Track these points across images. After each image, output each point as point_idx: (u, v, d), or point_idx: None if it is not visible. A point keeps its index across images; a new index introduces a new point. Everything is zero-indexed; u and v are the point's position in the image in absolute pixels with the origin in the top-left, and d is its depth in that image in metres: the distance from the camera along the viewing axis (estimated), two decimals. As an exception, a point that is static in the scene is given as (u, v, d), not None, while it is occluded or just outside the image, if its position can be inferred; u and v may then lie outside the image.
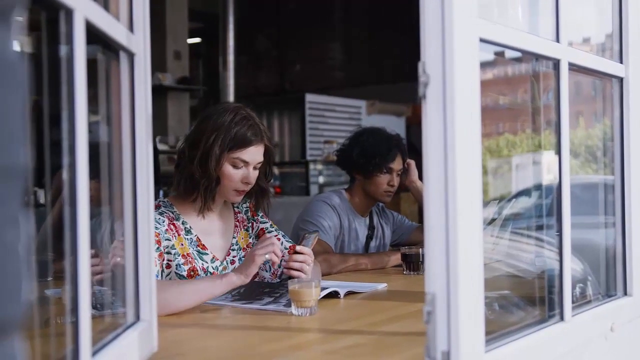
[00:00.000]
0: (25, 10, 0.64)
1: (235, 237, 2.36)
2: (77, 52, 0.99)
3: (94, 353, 1.07)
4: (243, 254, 2.35)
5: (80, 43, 1.00)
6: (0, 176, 0.55)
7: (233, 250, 2.34)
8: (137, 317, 1.36)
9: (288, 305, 1.91)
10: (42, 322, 1.20)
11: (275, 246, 2.01)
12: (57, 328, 1.34)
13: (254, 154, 2.22)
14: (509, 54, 1.54)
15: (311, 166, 7.39)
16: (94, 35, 1.10)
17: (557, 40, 1.51)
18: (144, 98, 1.37)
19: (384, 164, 2.98)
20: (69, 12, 0.98)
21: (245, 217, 2.42)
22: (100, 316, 1.35)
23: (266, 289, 2.15)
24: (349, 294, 2.19)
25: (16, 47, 0.60)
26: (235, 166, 2.20)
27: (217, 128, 2.17)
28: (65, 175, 1.00)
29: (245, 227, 2.40)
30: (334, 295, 2.12)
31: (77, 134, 0.99)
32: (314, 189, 7.24)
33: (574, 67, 1.56)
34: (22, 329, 0.60)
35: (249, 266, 1.99)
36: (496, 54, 1.45)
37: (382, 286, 2.35)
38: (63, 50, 1.00)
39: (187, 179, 2.21)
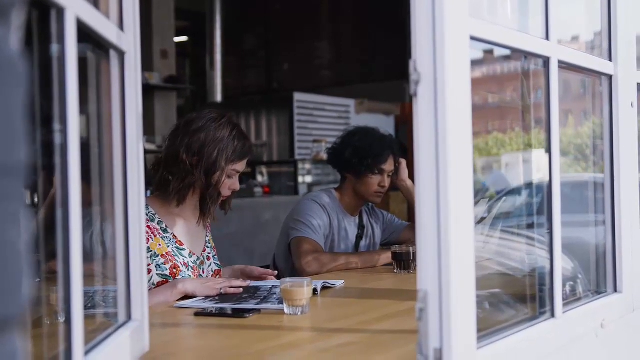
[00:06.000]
0: (25, 9, 0.64)
1: (208, 236, 2.45)
2: (69, 50, 0.99)
3: (87, 352, 1.06)
4: (214, 252, 2.46)
5: (72, 42, 0.99)
6: (2, 173, 0.55)
7: (208, 247, 2.43)
8: (129, 317, 1.35)
9: (281, 302, 1.90)
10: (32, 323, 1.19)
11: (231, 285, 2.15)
12: (45, 328, 1.33)
13: (245, 164, 2.35)
14: (498, 52, 1.55)
15: (300, 165, 7.37)
16: (84, 34, 1.09)
17: (547, 38, 1.51)
18: (134, 97, 1.36)
19: (376, 165, 2.96)
20: (60, 11, 0.97)
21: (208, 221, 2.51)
22: (90, 315, 1.35)
23: (248, 292, 2.14)
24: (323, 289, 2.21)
25: (16, 45, 0.59)
26: (230, 177, 2.30)
27: (219, 141, 2.24)
28: (56, 175, 0.99)
29: (210, 230, 2.50)
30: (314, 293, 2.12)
31: (69, 133, 0.98)
32: (302, 189, 7.22)
33: (563, 65, 1.57)
34: (23, 326, 0.60)
35: (202, 287, 2.10)
36: (485, 52, 1.45)
37: (339, 283, 2.37)
38: (54, 48, 0.99)
39: (187, 187, 2.26)
